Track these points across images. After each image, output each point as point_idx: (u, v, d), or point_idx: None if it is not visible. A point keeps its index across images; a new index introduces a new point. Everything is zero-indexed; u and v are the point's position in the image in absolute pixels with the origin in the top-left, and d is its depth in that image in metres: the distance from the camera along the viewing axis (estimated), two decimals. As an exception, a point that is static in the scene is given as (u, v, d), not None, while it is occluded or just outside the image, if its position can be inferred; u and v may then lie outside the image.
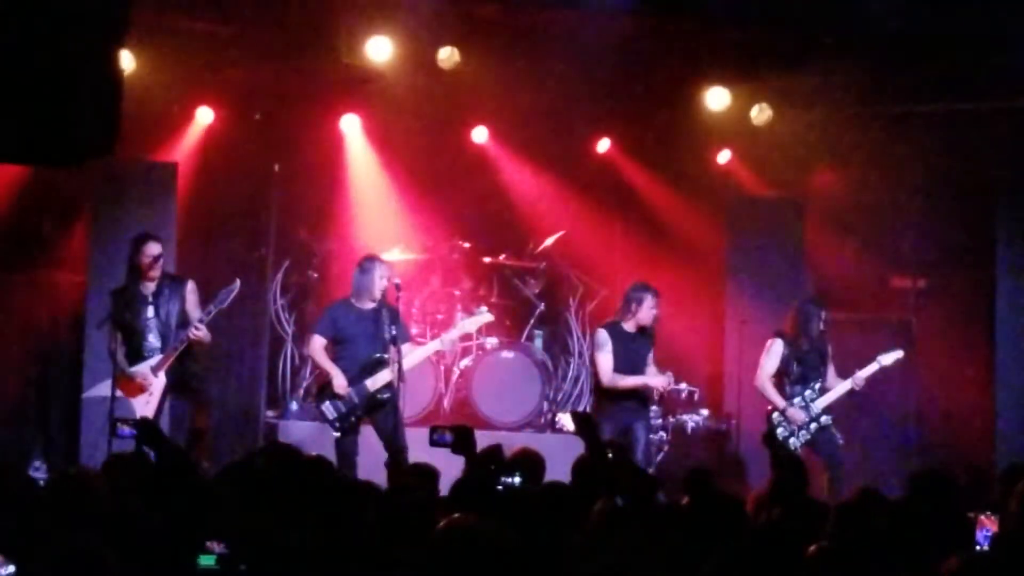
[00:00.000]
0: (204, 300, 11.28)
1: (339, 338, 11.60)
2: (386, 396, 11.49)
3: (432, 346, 12.05)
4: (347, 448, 11.42)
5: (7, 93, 9.15)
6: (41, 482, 8.33)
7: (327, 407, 11.50)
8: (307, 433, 12.85)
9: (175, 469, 7.20)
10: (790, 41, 13.17)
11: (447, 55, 13.20)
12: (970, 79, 13.26)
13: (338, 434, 11.49)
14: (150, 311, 11.14)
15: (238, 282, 11.23)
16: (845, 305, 14.08)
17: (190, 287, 11.32)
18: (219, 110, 13.84)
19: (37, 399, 13.16)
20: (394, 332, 11.46)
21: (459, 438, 7.86)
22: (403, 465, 11.02)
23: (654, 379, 11.93)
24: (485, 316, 12.49)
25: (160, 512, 5.75)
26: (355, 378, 11.48)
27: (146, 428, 7.96)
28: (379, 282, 11.53)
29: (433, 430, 8.11)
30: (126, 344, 11.13)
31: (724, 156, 14.77)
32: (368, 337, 11.53)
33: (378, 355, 11.52)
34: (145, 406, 11.00)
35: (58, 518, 5.91)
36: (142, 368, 11.10)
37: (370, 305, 11.59)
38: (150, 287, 11.20)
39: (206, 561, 5.83)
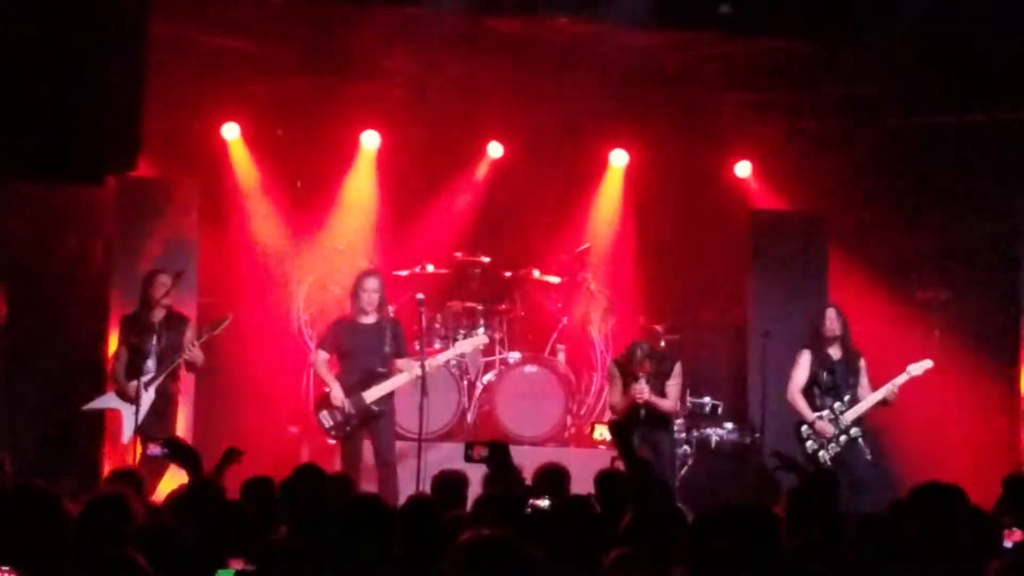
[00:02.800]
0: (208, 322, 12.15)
1: (341, 352, 12.09)
2: (381, 409, 11.87)
3: (408, 376, 12.05)
4: (350, 454, 11.91)
5: (28, 112, 9.18)
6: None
7: (324, 416, 12.00)
8: (330, 448, 12.84)
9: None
10: (810, 53, 13.13)
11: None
12: (993, 89, 13.21)
13: (333, 442, 12.06)
14: (154, 339, 11.91)
15: (230, 316, 12.04)
16: (869, 317, 14.03)
17: (190, 326, 12.12)
18: (241, 126, 13.85)
19: (60, 416, 13.16)
20: (387, 349, 11.90)
21: (494, 454, 7.85)
22: (392, 480, 11.32)
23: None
24: (481, 338, 13.05)
25: (190, 528, 5.75)
26: (352, 390, 11.90)
27: (176, 446, 8.01)
28: (369, 296, 11.98)
29: (468, 446, 8.12)
30: (129, 364, 11.90)
31: (745, 169, 14.72)
32: (367, 351, 11.97)
33: (375, 369, 11.89)
34: (132, 416, 11.71)
35: (94, 535, 5.90)
36: (135, 383, 11.77)
37: (370, 319, 11.99)
38: (158, 316, 11.95)
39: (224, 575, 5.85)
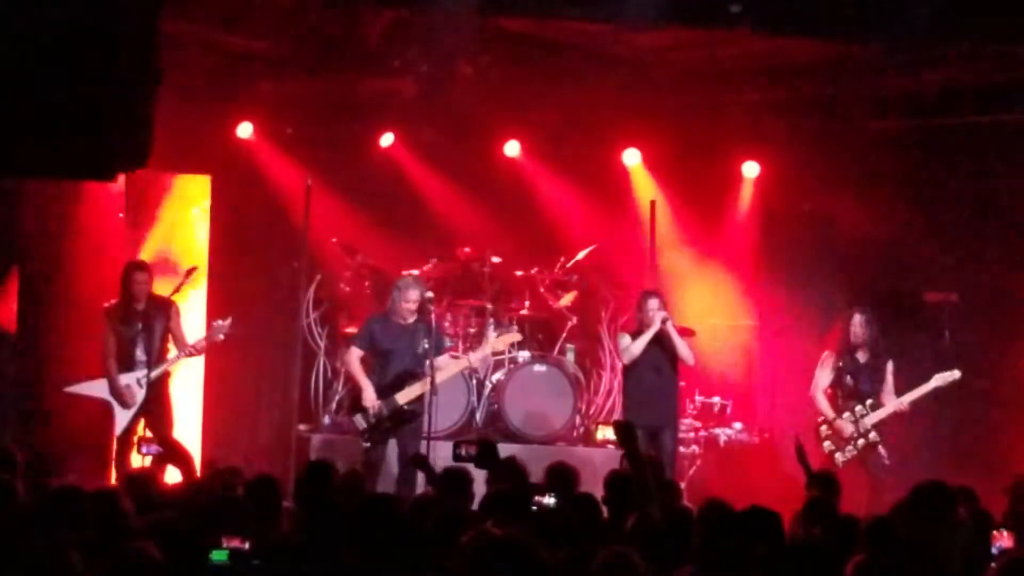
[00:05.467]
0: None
1: (376, 351, 11.88)
2: (414, 410, 11.71)
3: (460, 364, 12.10)
4: (373, 459, 11.74)
5: (41, 108, 9.19)
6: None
7: (358, 419, 11.79)
8: (340, 447, 12.88)
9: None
10: (821, 52, 13.12)
11: None
12: (1002, 91, 13.19)
13: (367, 444, 11.77)
14: (139, 326, 12.03)
15: (230, 319, 12.06)
16: (878, 319, 14.02)
17: (175, 309, 12.18)
18: (252, 124, 13.88)
19: (71, 414, 13.18)
20: (426, 346, 11.67)
21: (483, 452, 7.86)
22: (412, 480, 11.29)
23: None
24: (514, 335, 12.73)
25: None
26: (386, 392, 11.71)
27: (170, 446, 8.02)
28: (413, 301, 11.78)
29: (456, 445, 8.14)
30: (117, 354, 12.04)
31: (755, 169, 14.71)
32: (403, 352, 11.78)
33: (410, 369, 11.70)
34: (126, 413, 11.92)
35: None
36: (129, 380, 11.95)
37: (407, 320, 11.81)
38: (140, 305, 12.06)
39: (219, 557, 5.87)
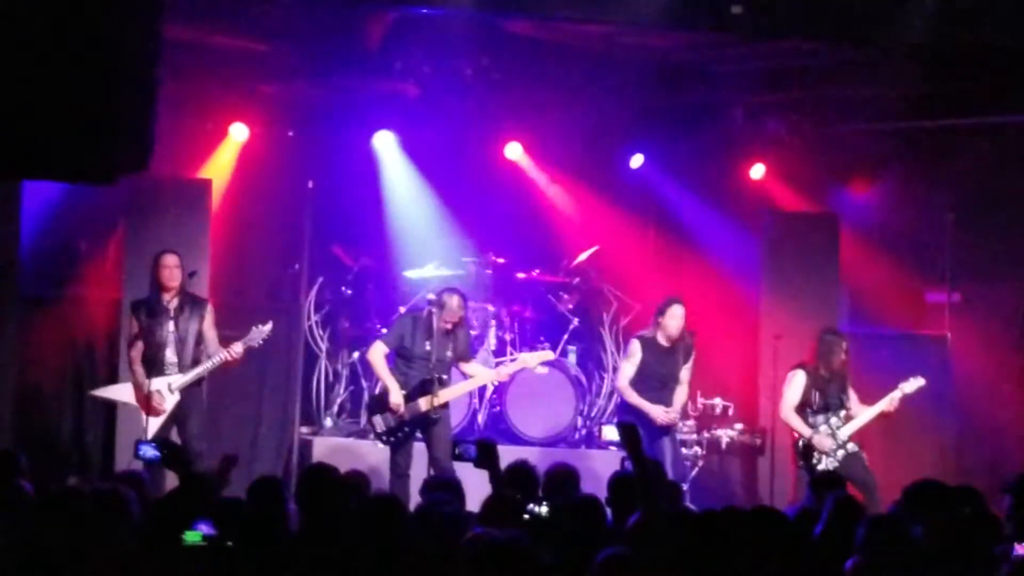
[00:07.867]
0: (220, 323, 11.69)
1: (403, 352, 11.68)
2: (438, 416, 11.53)
3: (489, 375, 12.11)
4: (400, 463, 11.51)
5: (43, 111, 9.20)
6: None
7: (378, 420, 11.61)
8: (341, 449, 12.88)
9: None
10: (824, 54, 13.13)
11: None
12: (1005, 93, 13.20)
13: (383, 446, 11.61)
14: (170, 325, 11.40)
15: (271, 324, 11.54)
16: (880, 320, 14.03)
17: (209, 308, 11.62)
18: (253, 127, 13.88)
19: (72, 416, 13.19)
20: (450, 354, 11.61)
21: (482, 453, 7.84)
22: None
23: (653, 409, 11.93)
24: (547, 353, 12.52)
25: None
26: (409, 395, 11.53)
27: (168, 448, 7.98)
28: (458, 313, 11.61)
29: (455, 444, 8.11)
30: (145, 355, 11.36)
31: (758, 170, 14.72)
32: (433, 357, 11.56)
33: (437, 376, 11.55)
34: (156, 420, 11.22)
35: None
36: (159, 384, 11.28)
37: (442, 327, 11.61)
38: (172, 302, 11.46)
39: (192, 538, 5.83)
